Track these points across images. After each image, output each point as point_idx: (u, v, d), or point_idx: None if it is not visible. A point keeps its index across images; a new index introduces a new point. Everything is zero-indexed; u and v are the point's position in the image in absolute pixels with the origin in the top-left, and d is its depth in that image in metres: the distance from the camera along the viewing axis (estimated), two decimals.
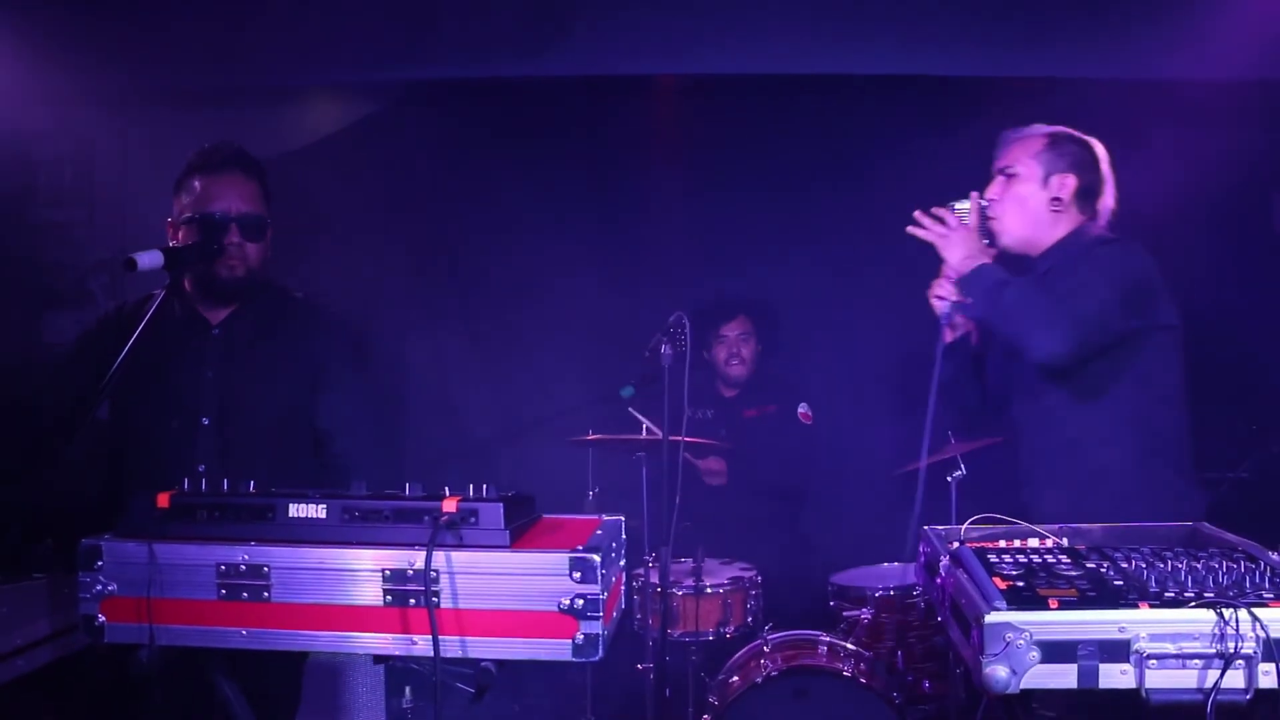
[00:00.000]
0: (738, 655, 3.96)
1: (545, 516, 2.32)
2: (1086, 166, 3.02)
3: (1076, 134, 3.05)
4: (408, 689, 4.47)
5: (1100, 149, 3.05)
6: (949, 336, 3.11)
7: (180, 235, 2.87)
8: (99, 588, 2.03)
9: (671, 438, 3.74)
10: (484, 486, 2.07)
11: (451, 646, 1.96)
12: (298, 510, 2.07)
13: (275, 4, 4.85)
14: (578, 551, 1.95)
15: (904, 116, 5.19)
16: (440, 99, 5.30)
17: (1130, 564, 2.00)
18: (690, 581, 4.10)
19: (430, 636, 1.93)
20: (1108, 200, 3.04)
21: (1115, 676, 1.70)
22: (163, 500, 2.09)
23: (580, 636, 1.94)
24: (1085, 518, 2.51)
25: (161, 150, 3.62)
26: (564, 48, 4.99)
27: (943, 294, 3.05)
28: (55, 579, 2.55)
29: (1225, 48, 4.37)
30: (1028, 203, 2.98)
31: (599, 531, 2.15)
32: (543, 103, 5.33)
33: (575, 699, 4.45)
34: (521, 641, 1.95)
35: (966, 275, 2.90)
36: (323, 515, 2.06)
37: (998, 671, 1.71)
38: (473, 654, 1.97)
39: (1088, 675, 1.70)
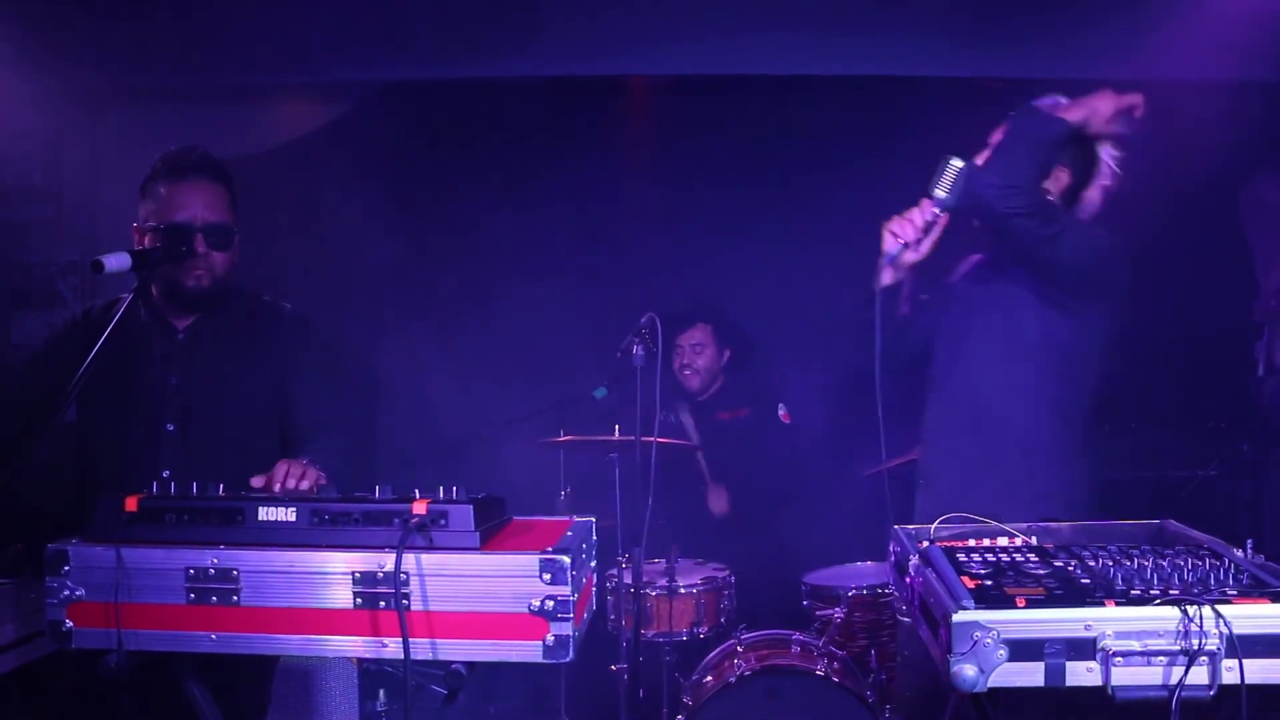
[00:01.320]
0: (711, 655, 3.96)
1: (516, 518, 2.32)
2: (1082, 163, 2.94)
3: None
4: (382, 692, 4.45)
5: (1106, 147, 2.95)
6: (888, 278, 3.01)
7: (146, 241, 2.83)
8: (66, 593, 2.01)
9: (644, 438, 3.75)
10: (454, 488, 2.07)
11: (422, 649, 1.96)
12: (267, 513, 2.06)
13: (246, 3, 4.82)
14: (547, 553, 1.95)
15: (876, 118, 5.21)
16: (411, 99, 5.28)
17: (1097, 562, 2.02)
18: (664, 582, 4.10)
19: (400, 639, 1.93)
20: (1093, 193, 2.95)
21: (1081, 674, 1.72)
22: (131, 504, 2.07)
23: (550, 638, 1.94)
24: (983, 467, 2.70)
25: (131, 149, 3.57)
26: (535, 48, 4.99)
27: (898, 231, 2.94)
28: (23, 583, 2.53)
29: (1192, 49, 4.41)
30: None
31: (569, 533, 2.15)
32: (514, 103, 5.32)
33: (549, 700, 4.45)
34: (492, 643, 1.95)
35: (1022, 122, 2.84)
36: (292, 518, 2.05)
37: (965, 670, 1.72)
38: (443, 656, 1.97)
39: (1054, 673, 1.72)
